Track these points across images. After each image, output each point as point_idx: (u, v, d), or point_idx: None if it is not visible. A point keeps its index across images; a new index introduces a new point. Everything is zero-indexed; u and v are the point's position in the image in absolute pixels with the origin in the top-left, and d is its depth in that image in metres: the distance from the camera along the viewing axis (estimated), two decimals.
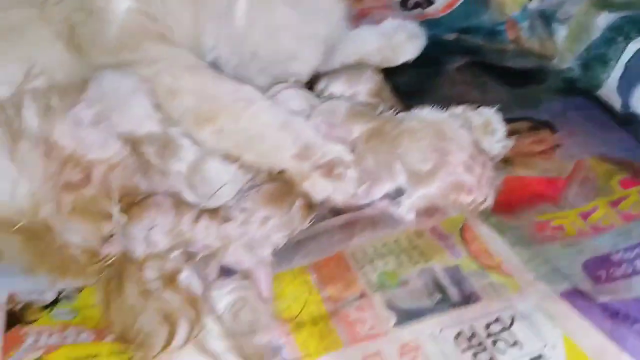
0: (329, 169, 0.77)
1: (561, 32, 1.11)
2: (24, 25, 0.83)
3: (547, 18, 1.14)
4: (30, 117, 0.72)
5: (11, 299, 0.72)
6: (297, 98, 0.88)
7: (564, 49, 1.10)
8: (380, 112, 0.85)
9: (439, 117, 0.81)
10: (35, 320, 0.69)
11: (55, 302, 0.73)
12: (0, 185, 0.70)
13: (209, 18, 0.88)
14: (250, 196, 0.74)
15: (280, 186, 0.75)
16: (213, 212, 0.73)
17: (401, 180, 0.78)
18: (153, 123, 0.77)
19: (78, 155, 0.71)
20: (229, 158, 0.79)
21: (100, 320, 0.70)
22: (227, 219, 0.72)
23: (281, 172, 0.78)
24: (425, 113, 0.81)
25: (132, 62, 0.81)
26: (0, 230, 0.72)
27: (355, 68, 0.99)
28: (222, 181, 0.76)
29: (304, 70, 0.95)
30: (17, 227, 0.70)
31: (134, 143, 0.75)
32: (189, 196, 0.75)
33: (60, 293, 0.74)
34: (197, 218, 0.71)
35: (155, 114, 0.77)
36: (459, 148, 0.77)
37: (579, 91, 1.03)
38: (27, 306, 0.72)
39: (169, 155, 0.76)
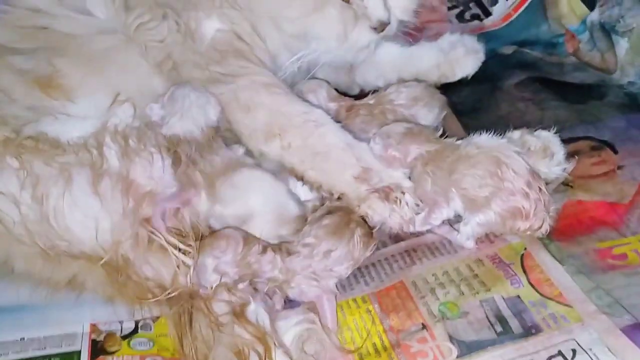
0: (387, 193, 0.80)
1: (622, 45, 1.10)
2: (110, 52, 0.89)
3: (607, 31, 1.12)
4: (112, 157, 0.77)
5: (94, 328, 0.77)
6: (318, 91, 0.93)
7: (625, 62, 1.09)
8: (440, 136, 0.86)
9: (496, 143, 0.81)
10: (116, 351, 0.74)
11: (134, 332, 0.78)
12: (85, 222, 0.75)
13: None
14: (312, 232, 0.76)
15: (339, 218, 0.78)
16: (277, 246, 0.76)
17: (457, 206, 0.80)
18: (199, 133, 0.82)
19: (154, 193, 0.76)
20: (293, 174, 0.83)
21: (175, 352, 0.74)
22: (291, 253, 0.76)
23: (339, 198, 0.82)
24: (482, 139, 0.82)
25: (218, 77, 0.87)
26: (85, 262, 0.77)
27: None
28: (252, 188, 0.80)
29: None
30: (102, 262, 0.74)
31: (174, 143, 0.80)
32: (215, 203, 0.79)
33: (137, 323, 0.79)
34: (263, 251, 0.75)
35: (206, 128, 0.83)
36: (515, 174, 0.77)
37: None
38: (109, 336, 0.76)
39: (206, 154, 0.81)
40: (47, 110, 0.84)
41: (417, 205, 0.82)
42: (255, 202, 0.80)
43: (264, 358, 0.66)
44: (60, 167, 0.76)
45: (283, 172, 0.86)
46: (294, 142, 0.83)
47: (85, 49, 0.88)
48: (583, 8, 1.18)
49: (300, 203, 0.83)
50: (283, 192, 0.82)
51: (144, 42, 0.90)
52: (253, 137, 0.86)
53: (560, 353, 0.66)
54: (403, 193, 0.81)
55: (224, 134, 0.88)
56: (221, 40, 0.89)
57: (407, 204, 0.81)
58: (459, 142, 0.84)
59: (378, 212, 0.81)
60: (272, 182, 0.82)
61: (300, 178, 0.85)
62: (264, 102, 0.85)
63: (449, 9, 1.36)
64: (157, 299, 0.76)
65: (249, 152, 0.88)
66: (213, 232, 0.78)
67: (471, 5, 1.35)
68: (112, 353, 0.74)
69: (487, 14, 1.33)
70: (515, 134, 0.87)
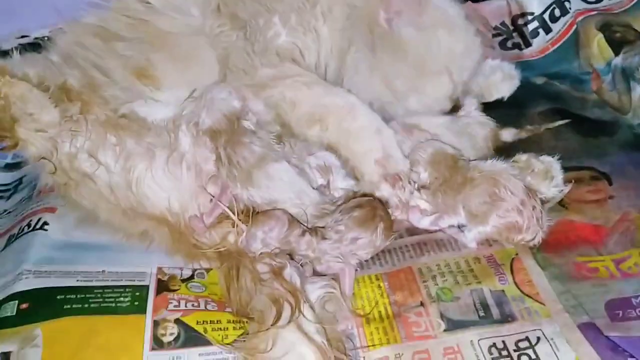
0: (395, 180, 0.96)
1: (638, 90, 1.23)
2: (196, 53, 1.05)
3: (627, 75, 1.25)
4: (186, 142, 0.95)
5: (160, 271, 0.95)
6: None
7: (638, 105, 1.22)
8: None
9: (497, 167, 0.97)
10: (177, 290, 0.91)
11: (191, 277, 0.95)
12: (159, 194, 0.94)
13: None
14: (344, 221, 0.92)
15: (367, 212, 0.93)
16: (314, 231, 0.92)
17: (462, 219, 0.96)
18: (225, 121, 0.96)
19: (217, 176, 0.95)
20: (330, 150, 0.99)
21: (222, 297, 0.92)
22: (324, 237, 0.91)
23: (357, 179, 0.98)
24: (486, 164, 0.98)
25: (266, 82, 1.01)
26: (155, 222, 0.96)
27: None
28: (283, 180, 0.94)
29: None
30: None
31: (212, 133, 0.96)
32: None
33: (194, 271, 0.97)
34: (302, 234, 0.91)
35: (229, 115, 0.96)
36: (512, 194, 0.93)
37: None
38: (172, 278, 0.94)
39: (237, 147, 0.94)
40: (139, 93, 1.00)
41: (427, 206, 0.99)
42: (283, 190, 0.94)
43: (294, 308, 0.82)
44: (147, 147, 0.94)
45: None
46: (331, 124, 0.98)
47: (177, 48, 1.03)
48: (610, 52, 1.31)
49: (319, 192, 0.97)
50: (304, 182, 0.95)
51: (216, 46, 1.05)
52: (299, 124, 1.00)
53: (527, 338, 0.82)
54: (410, 182, 0.96)
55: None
56: (282, 49, 1.03)
57: (410, 192, 0.97)
58: (472, 163, 0.99)
59: (384, 193, 0.96)
60: (296, 174, 0.95)
61: (335, 152, 0.99)
62: (305, 97, 1.00)
63: (494, 36, 1.47)
64: (207, 250, 0.94)
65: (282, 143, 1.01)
66: (265, 210, 0.93)
67: (514, 35, 1.47)
68: (174, 291, 0.90)
69: (528, 44, 1.45)
70: (523, 157, 1.03)
